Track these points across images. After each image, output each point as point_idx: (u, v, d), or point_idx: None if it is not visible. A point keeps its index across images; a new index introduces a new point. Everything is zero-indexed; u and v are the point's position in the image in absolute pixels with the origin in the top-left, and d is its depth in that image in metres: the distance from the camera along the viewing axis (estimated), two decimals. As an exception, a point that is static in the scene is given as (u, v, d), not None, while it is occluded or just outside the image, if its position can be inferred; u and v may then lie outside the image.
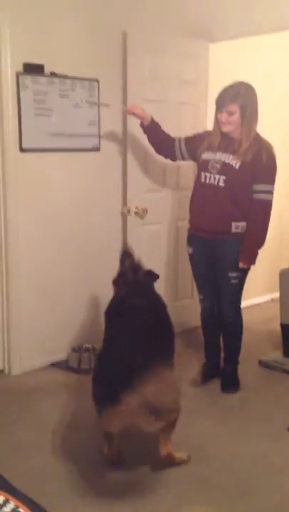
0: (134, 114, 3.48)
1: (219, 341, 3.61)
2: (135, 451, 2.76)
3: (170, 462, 2.62)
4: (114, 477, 2.58)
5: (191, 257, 3.52)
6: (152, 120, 3.48)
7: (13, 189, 3.41)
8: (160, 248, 4.18)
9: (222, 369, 3.57)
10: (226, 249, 3.31)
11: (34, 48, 3.39)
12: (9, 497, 1.01)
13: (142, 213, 3.87)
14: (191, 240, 3.49)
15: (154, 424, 2.39)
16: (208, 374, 3.59)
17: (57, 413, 3.12)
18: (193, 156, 3.45)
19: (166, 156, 3.63)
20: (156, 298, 3.08)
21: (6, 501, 1.00)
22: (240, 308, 3.48)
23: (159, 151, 3.63)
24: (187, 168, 4.12)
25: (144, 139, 3.65)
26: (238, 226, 3.26)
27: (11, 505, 0.98)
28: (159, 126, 3.52)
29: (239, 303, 3.47)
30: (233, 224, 3.26)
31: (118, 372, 2.39)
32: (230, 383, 3.48)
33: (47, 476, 2.54)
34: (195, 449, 2.79)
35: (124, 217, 3.99)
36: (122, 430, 2.47)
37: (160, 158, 3.82)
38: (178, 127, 3.85)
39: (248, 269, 3.36)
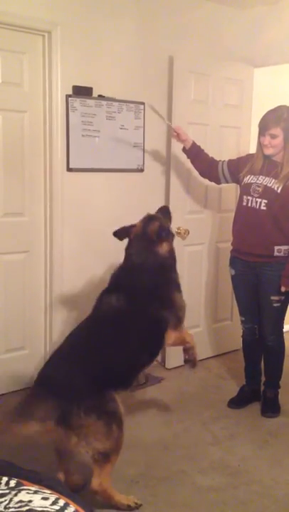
0: (178, 135, 3.53)
1: (260, 365, 3.57)
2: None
3: (105, 499, 2.38)
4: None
5: (233, 278, 3.52)
6: (194, 144, 3.53)
7: (59, 207, 3.49)
8: (201, 269, 4.19)
9: (263, 393, 3.52)
10: (269, 273, 3.29)
11: (83, 72, 3.50)
12: (70, 501, 1.03)
13: (183, 234, 3.90)
14: (234, 262, 3.49)
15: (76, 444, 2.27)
16: (247, 397, 3.55)
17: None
18: (236, 179, 3.47)
19: (210, 179, 3.66)
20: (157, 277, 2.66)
21: (66, 505, 1.02)
22: (282, 331, 3.44)
23: (203, 174, 3.66)
24: (229, 190, 4.15)
25: (187, 161, 3.70)
26: (280, 250, 3.25)
27: (71, 509, 1.00)
28: (202, 150, 3.57)
29: (281, 326, 3.43)
30: (276, 248, 3.25)
31: (48, 383, 2.33)
32: (271, 408, 3.42)
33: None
34: (234, 473, 2.76)
35: (165, 237, 4.02)
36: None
37: (202, 180, 3.85)
38: (221, 151, 3.89)
39: (291, 292, 3.33)
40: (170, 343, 2.73)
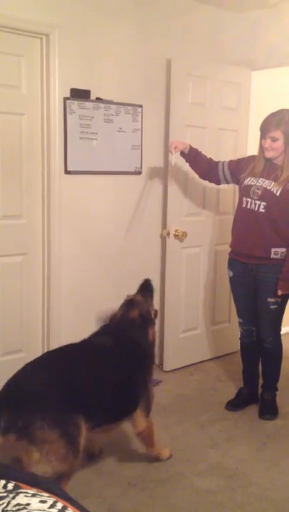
0: (176, 148, 3.52)
1: (258, 367, 3.57)
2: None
3: None
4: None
5: (231, 280, 3.52)
6: (191, 147, 3.54)
7: (57, 209, 3.49)
8: (198, 271, 4.19)
9: (260, 395, 3.52)
10: (265, 275, 3.30)
11: (81, 74, 3.50)
12: (68, 505, 1.03)
13: (181, 236, 3.90)
14: (232, 263, 3.49)
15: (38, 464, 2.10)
16: (245, 400, 3.55)
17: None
18: (236, 180, 3.48)
19: (210, 180, 3.66)
20: (133, 346, 2.71)
21: (64, 508, 1.02)
22: (279, 334, 3.45)
23: (202, 176, 3.66)
24: (227, 193, 4.16)
25: (184, 163, 3.70)
26: (277, 252, 3.26)
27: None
28: (200, 152, 3.58)
29: (279, 329, 3.44)
30: (273, 250, 3.26)
31: (9, 398, 2.20)
32: (269, 410, 3.43)
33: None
34: (232, 475, 2.76)
35: (163, 239, 4.03)
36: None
37: (200, 182, 3.86)
38: (219, 153, 3.90)
39: (288, 295, 3.34)
40: (139, 431, 2.69)
